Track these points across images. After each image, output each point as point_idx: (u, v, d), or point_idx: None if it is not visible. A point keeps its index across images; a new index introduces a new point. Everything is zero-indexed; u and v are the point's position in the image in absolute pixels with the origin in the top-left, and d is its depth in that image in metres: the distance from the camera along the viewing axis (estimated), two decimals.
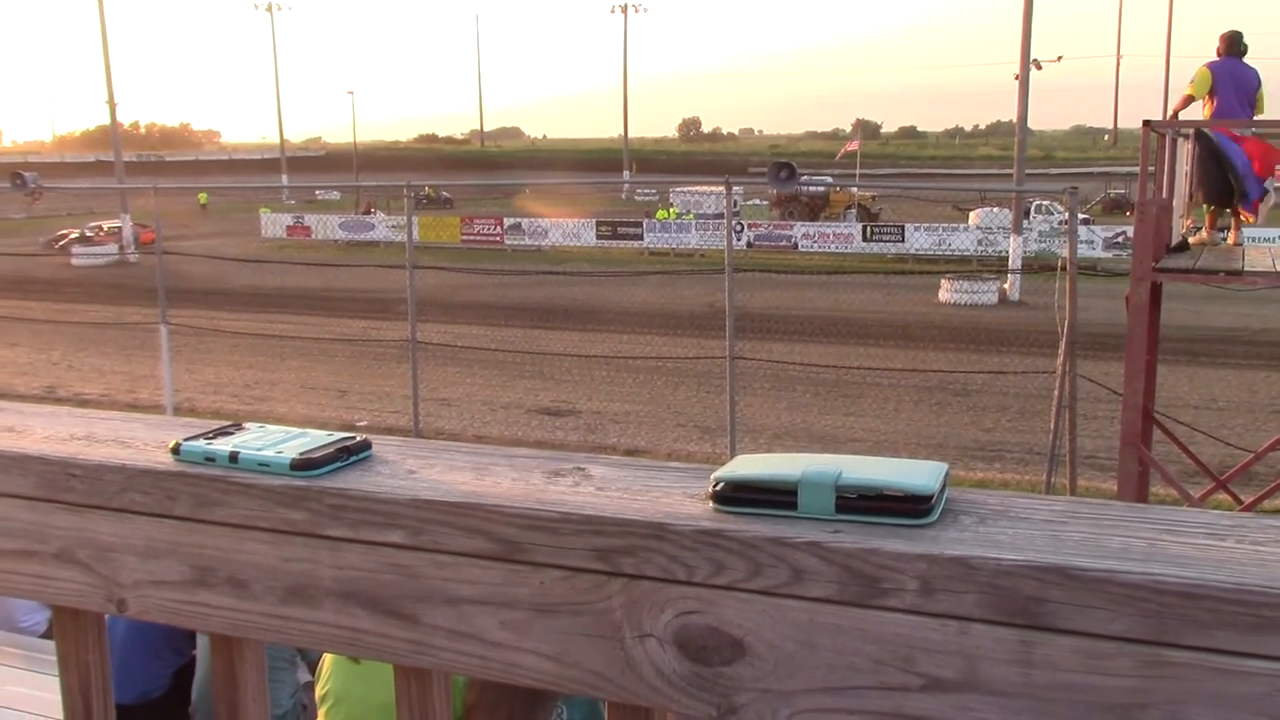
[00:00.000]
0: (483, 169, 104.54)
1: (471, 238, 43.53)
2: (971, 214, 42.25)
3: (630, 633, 0.81)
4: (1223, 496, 8.17)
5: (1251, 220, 8.69)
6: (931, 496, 0.78)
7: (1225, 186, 7.89)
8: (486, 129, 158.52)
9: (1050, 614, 0.70)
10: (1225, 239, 8.81)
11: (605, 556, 0.81)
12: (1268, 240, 23.45)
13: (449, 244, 41.09)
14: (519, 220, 44.41)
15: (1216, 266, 7.17)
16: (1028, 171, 41.29)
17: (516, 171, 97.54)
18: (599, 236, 42.84)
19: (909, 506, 0.78)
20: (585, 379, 18.17)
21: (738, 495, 0.81)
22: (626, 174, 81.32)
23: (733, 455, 9.73)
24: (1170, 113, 9.01)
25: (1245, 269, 6.96)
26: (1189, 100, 8.86)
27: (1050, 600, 0.70)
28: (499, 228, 44.04)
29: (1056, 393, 8.59)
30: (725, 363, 10.48)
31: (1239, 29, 9.04)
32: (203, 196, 61.49)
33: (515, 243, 42.73)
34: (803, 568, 0.75)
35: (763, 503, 0.80)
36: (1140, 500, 7.14)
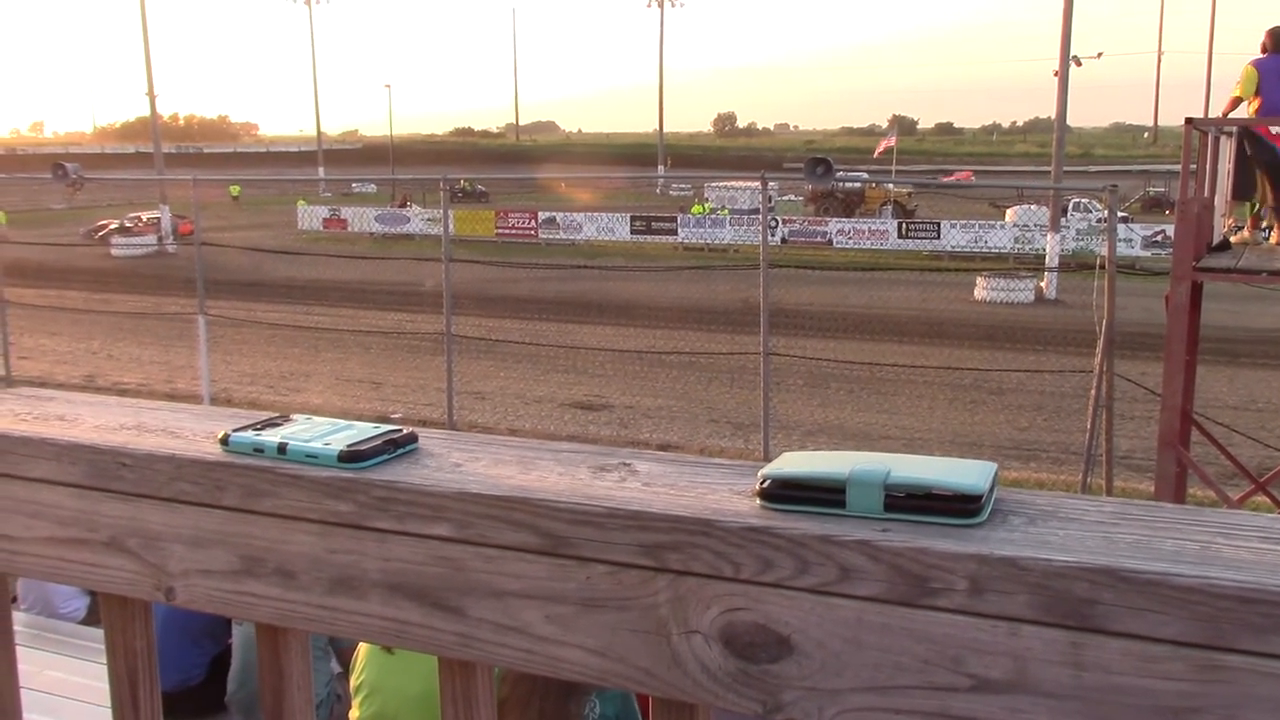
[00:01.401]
0: (518, 163, 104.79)
1: (506, 231, 43.66)
2: (1008, 211, 41.95)
3: (676, 629, 0.81)
4: (1261, 499, 8.09)
5: None
6: (981, 496, 0.78)
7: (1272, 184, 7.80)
8: (521, 123, 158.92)
9: (1102, 616, 0.69)
10: (1268, 238, 8.70)
11: (652, 552, 0.81)
12: None
13: (484, 237, 41.19)
14: (553, 214, 44.52)
15: (1259, 266, 7.09)
16: (1066, 169, 40.99)
17: (551, 165, 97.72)
18: (633, 231, 42.85)
19: (958, 506, 0.77)
20: (619, 373, 18.18)
21: (785, 493, 0.81)
22: (661, 169, 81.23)
23: (766, 451, 9.71)
24: (1222, 114, 8.88)
25: None
26: (1237, 101, 8.74)
27: (1102, 602, 0.69)
28: (533, 221, 44.15)
29: (1094, 392, 8.51)
30: (759, 359, 10.45)
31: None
32: (235, 189, 61.87)
33: (550, 236, 42.82)
34: (851, 566, 0.75)
35: (810, 500, 0.80)
36: (1178, 501, 7.08)
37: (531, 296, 25.36)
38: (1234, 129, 7.97)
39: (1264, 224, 8.71)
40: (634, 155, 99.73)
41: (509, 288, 26.32)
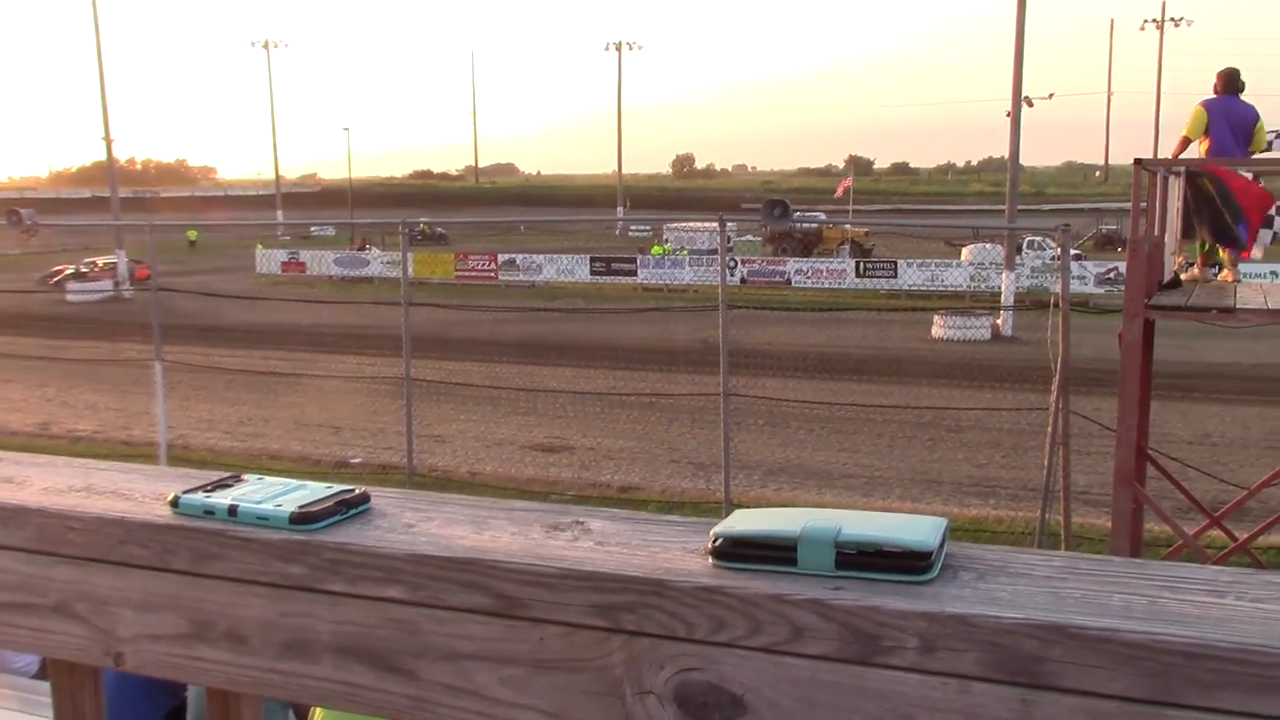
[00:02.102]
0: (478, 205, 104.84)
1: (466, 273, 43.63)
2: (964, 250, 42.42)
3: (630, 689, 0.80)
4: (1216, 533, 8.16)
5: (1246, 257, 8.72)
6: (931, 553, 0.78)
7: (1223, 225, 7.93)
8: (481, 164, 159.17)
9: (1051, 673, 0.70)
10: (1218, 275, 8.84)
11: (605, 613, 0.81)
12: (1259, 277, 23.54)
13: (444, 280, 41.16)
14: (513, 256, 44.54)
15: (1209, 304, 7.19)
16: (1020, 207, 41.43)
17: (511, 208, 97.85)
18: (593, 272, 42.97)
19: (909, 563, 0.78)
20: (580, 415, 18.15)
21: (737, 551, 0.81)
22: (620, 210, 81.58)
23: (727, 492, 9.72)
24: (1172, 154, 9.03)
25: (1237, 306, 6.98)
26: (1187, 142, 8.89)
27: (1051, 659, 0.70)
28: (493, 264, 44.16)
29: (1050, 429, 8.59)
30: (719, 399, 10.47)
31: (1236, 66, 9.09)
32: (192, 234, 61.52)
33: (510, 278, 42.82)
34: (803, 625, 0.75)
35: (763, 558, 0.80)
36: (1135, 537, 7.13)
37: (492, 338, 25.30)
38: (1182, 169, 8.11)
39: (1214, 262, 8.85)
40: (593, 196, 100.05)
41: (469, 330, 26.27)
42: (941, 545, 0.80)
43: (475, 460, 15.66)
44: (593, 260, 43.79)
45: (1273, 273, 27.50)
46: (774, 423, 17.33)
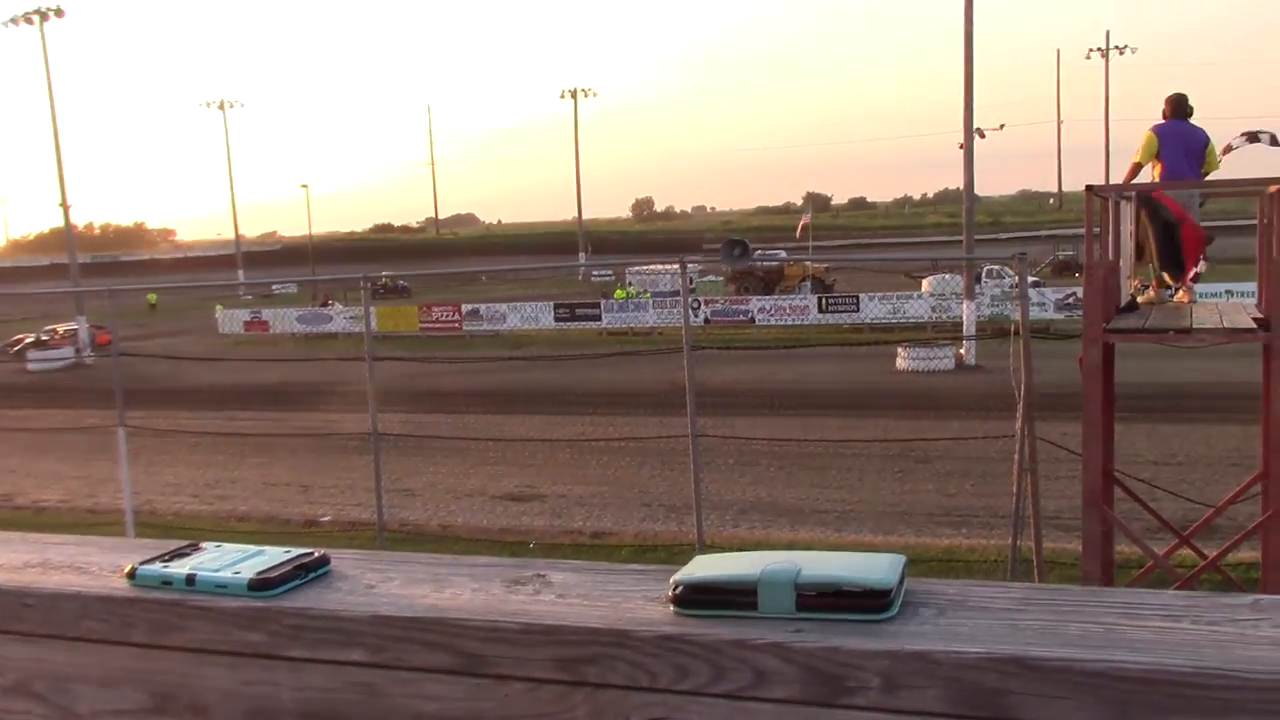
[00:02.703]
0: (439, 256, 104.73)
1: (430, 325, 43.54)
2: (924, 281, 42.77)
3: None
4: (1186, 552, 8.21)
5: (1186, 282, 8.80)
6: (890, 591, 0.78)
7: (1173, 249, 8.04)
8: (441, 215, 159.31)
9: (1013, 705, 0.70)
10: (1173, 297, 8.93)
11: (569, 666, 0.80)
12: (1214, 296, 23.83)
13: (408, 333, 41.04)
14: (477, 306, 44.52)
15: (1166, 325, 7.28)
16: (977, 237, 41.85)
17: (473, 258, 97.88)
18: (557, 319, 43.00)
19: (869, 602, 0.78)
20: (549, 462, 18.09)
21: (698, 598, 0.81)
22: (583, 256, 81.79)
23: (700, 533, 9.70)
24: (1124, 179, 9.12)
25: (1194, 326, 7.06)
26: (1138, 167, 8.99)
27: (1012, 692, 0.70)
28: (457, 314, 44.10)
29: (1017, 456, 8.64)
30: (688, 441, 10.47)
31: (1183, 92, 9.22)
32: (152, 297, 61.13)
33: (474, 328, 42.78)
34: (765, 669, 0.75)
35: (723, 604, 0.80)
36: (1106, 560, 7.17)
37: (459, 389, 25.22)
38: (1132, 194, 8.22)
39: (1166, 284, 8.95)
40: (555, 244, 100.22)
41: (436, 381, 26.17)
42: (901, 582, 0.81)
43: (446, 513, 15.56)
44: (556, 307, 43.84)
45: (1228, 291, 27.85)
46: (744, 461, 17.33)
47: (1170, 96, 9.10)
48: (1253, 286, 8.70)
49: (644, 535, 13.75)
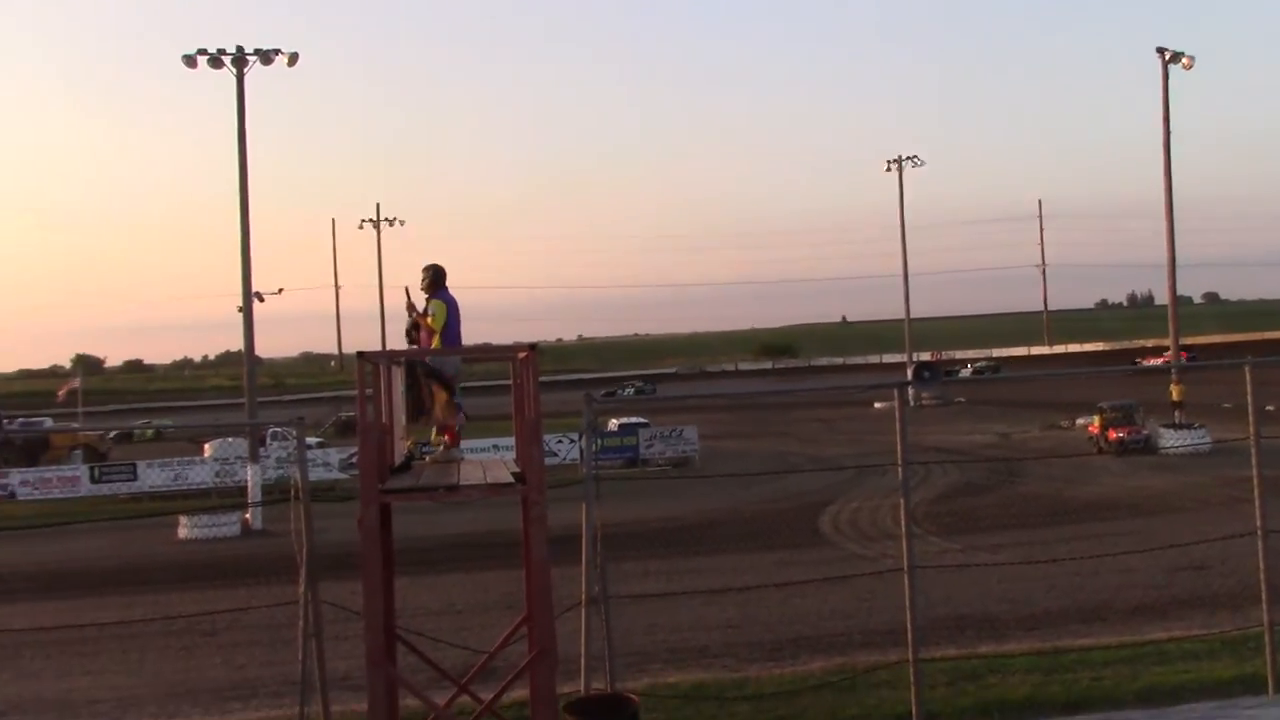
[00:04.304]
0: None
1: None
2: (206, 446, 41.77)
3: None
4: (465, 698, 8.59)
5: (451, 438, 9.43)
6: None
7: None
8: None
9: None
10: (441, 450, 9.45)
11: None
12: (483, 451, 25.80)
13: None
14: None
15: (437, 483, 7.71)
16: (260, 399, 41.86)
17: None
18: None
19: None
20: None
21: None
22: None
23: None
24: (422, 345, 9.52)
25: (461, 483, 7.55)
26: (434, 333, 9.50)
27: None
28: None
29: (302, 621, 8.56)
30: None
31: (440, 264, 9.96)
32: None
33: None
34: None
35: None
36: (392, 716, 7.29)
37: None
38: (401, 359, 8.68)
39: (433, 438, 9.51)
40: None
41: None
42: None
43: None
44: None
45: (495, 446, 30.29)
46: (3, 655, 15.47)
47: (433, 267, 9.79)
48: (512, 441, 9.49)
49: None
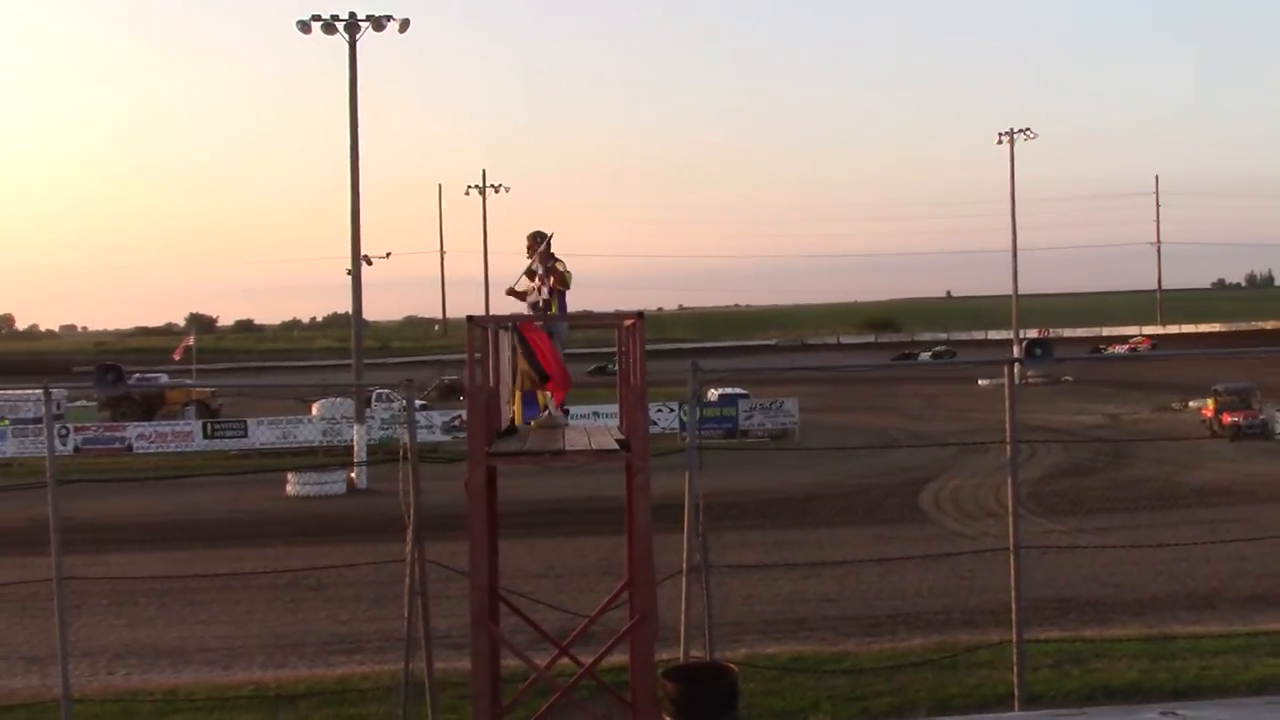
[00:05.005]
0: None
1: None
2: (314, 405, 42.60)
3: None
4: (566, 661, 8.69)
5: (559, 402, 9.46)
6: None
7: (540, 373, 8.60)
8: None
9: None
10: (548, 417, 9.51)
11: None
12: (585, 418, 25.93)
13: None
14: None
15: (542, 448, 7.77)
16: (367, 361, 42.58)
17: None
18: None
19: None
20: None
21: None
22: None
23: (66, 686, 8.74)
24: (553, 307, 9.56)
25: (565, 449, 7.60)
26: (558, 295, 9.53)
27: None
28: None
29: (408, 579, 8.71)
30: (53, 585, 9.44)
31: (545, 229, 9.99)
32: None
33: None
34: None
35: None
36: (494, 675, 7.40)
37: None
38: (510, 324, 8.73)
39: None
40: None
41: None
42: None
43: None
44: None
45: (595, 413, 30.43)
46: (120, 602, 16.05)
47: (539, 235, 9.82)
48: (616, 409, 9.52)
49: None
